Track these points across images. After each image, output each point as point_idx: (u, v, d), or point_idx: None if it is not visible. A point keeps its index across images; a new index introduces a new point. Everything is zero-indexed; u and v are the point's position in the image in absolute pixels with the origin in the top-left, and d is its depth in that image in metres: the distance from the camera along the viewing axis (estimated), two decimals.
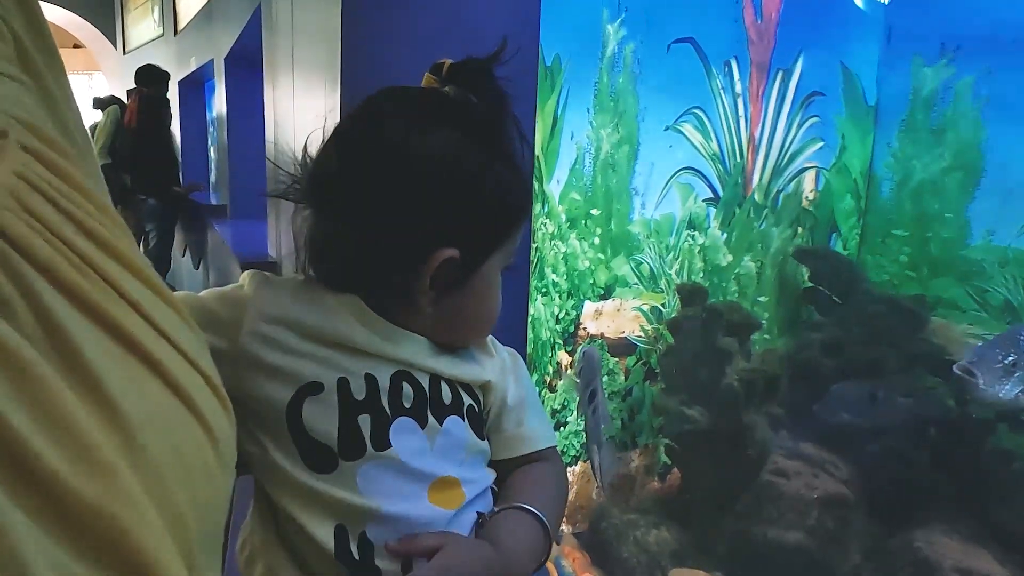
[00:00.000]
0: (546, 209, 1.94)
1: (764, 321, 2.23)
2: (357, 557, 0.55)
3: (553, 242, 1.97)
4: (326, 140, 0.60)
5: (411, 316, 0.60)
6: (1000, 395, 1.62)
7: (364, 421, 0.56)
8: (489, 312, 0.63)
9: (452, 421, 0.60)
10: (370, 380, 0.57)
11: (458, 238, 0.58)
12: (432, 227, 0.58)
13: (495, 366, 0.66)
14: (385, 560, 0.55)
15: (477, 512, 0.60)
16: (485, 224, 0.59)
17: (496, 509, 0.62)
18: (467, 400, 0.62)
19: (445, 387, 0.61)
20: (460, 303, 0.60)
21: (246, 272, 0.61)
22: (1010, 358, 1.64)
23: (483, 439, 0.63)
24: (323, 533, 0.55)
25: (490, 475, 0.63)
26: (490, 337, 0.69)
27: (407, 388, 0.59)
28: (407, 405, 0.58)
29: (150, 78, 4.27)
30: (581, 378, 1.74)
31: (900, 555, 1.87)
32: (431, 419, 0.59)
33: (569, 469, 2.12)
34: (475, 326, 0.64)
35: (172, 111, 4.38)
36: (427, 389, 0.60)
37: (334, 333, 0.58)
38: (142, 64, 4.44)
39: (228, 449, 0.34)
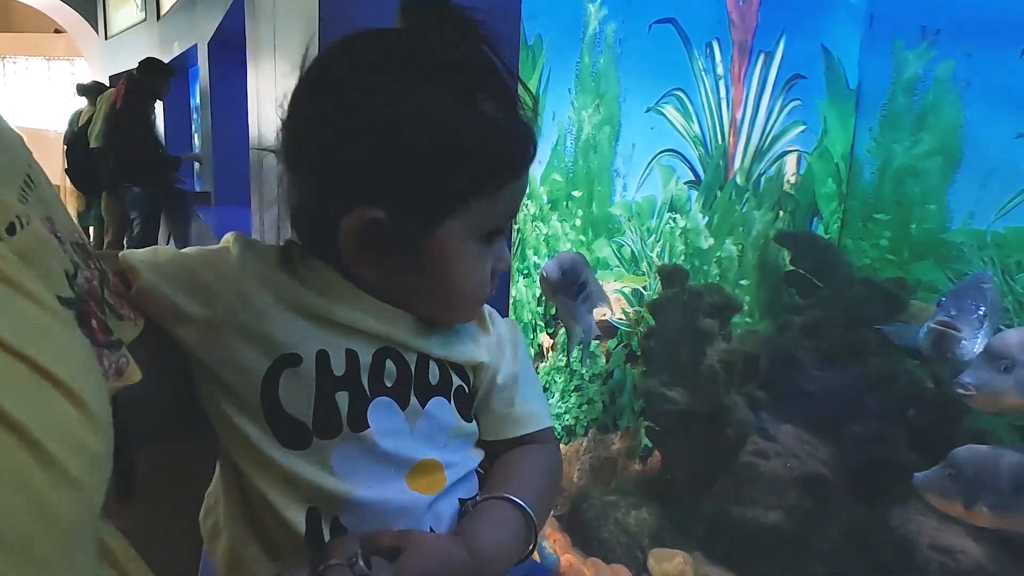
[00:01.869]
0: (528, 190, 1.93)
1: (745, 304, 2.23)
2: (328, 541, 0.51)
3: (535, 223, 1.97)
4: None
5: (371, 284, 0.55)
6: (973, 349, 1.54)
7: (342, 398, 0.52)
8: (458, 288, 0.56)
9: (436, 403, 0.56)
10: (351, 356, 0.53)
11: (382, 197, 0.51)
12: (349, 183, 0.52)
13: (490, 343, 0.61)
14: None
15: (459, 500, 0.57)
16: (420, 182, 0.51)
17: (479, 498, 0.57)
18: (456, 381, 0.58)
19: (434, 366, 0.57)
20: (414, 274, 0.54)
21: (229, 234, 0.57)
22: (981, 309, 1.58)
23: (470, 420, 0.59)
24: (294, 515, 0.52)
25: (475, 457, 0.60)
26: (488, 309, 0.64)
27: (390, 366, 0.55)
28: (388, 384, 0.54)
29: (151, 70, 4.20)
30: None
31: (877, 533, 1.89)
32: (413, 400, 0.55)
33: None
34: (444, 303, 0.57)
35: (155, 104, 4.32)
36: (413, 368, 0.56)
37: (315, 304, 0.54)
38: (147, 57, 4.37)
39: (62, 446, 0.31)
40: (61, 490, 0.30)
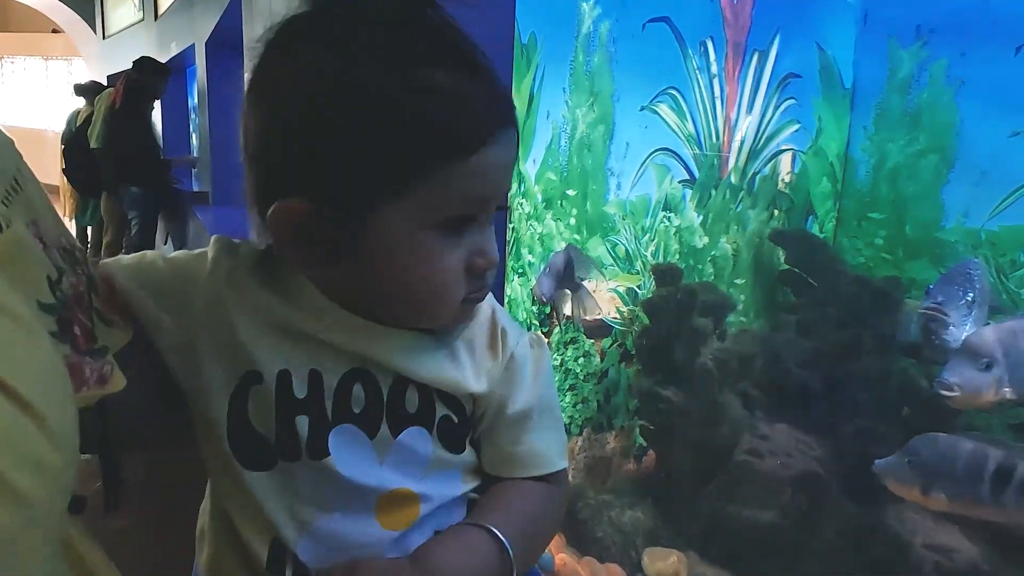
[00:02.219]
0: (523, 189, 1.93)
1: (740, 303, 2.23)
2: None
3: (529, 222, 1.97)
4: None
5: (332, 289, 0.50)
6: (961, 336, 1.54)
7: (302, 423, 0.49)
8: (411, 287, 0.48)
9: (413, 433, 0.51)
10: (314, 377, 0.49)
11: (310, 185, 0.46)
12: (272, 172, 0.48)
13: (496, 369, 0.54)
14: None
15: (435, 532, 0.52)
16: (347, 165, 0.45)
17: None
18: (441, 410, 0.52)
19: (413, 392, 0.51)
20: (363, 275, 0.49)
21: (214, 237, 0.55)
22: (969, 295, 1.58)
23: (460, 451, 0.54)
24: (258, 544, 0.50)
25: (462, 487, 0.55)
26: (506, 325, 0.56)
27: (358, 391, 0.50)
28: (356, 410, 0.50)
29: (147, 69, 4.21)
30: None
31: (872, 532, 1.89)
32: (384, 429, 0.50)
33: None
34: (402, 305, 0.50)
35: (154, 104, 4.33)
36: (386, 394, 0.51)
37: (282, 315, 0.50)
38: (142, 56, 4.38)
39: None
40: (7, 507, 0.28)
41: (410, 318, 0.51)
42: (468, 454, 0.55)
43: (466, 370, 0.53)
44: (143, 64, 4.17)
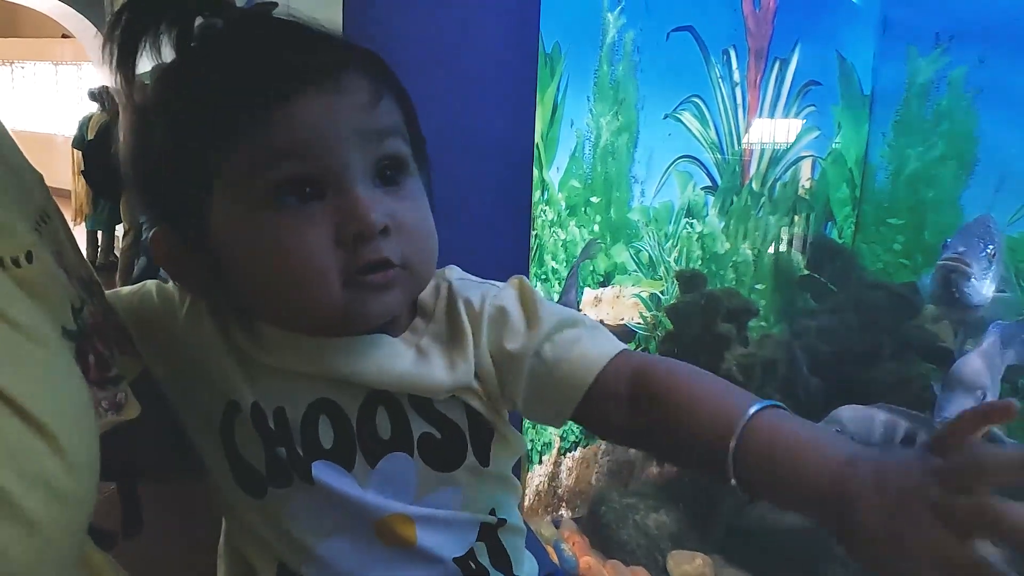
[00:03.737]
0: (546, 196, 1.95)
1: (761, 308, 2.25)
2: None
3: (553, 229, 1.99)
4: None
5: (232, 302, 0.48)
6: (982, 291, 1.49)
7: (281, 453, 0.48)
8: (266, 273, 0.43)
9: (393, 459, 0.48)
10: (279, 414, 0.47)
11: (156, 210, 0.47)
12: (137, 213, 0.49)
13: (475, 346, 0.48)
14: None
15: (454, 560, 0.50)
16: (157, 174, 0.45)
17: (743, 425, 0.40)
18: (419, 429, 0.48)
19: (383, 417, 0.47)
20: (235, 281, 0.45)
21: None
22: (990, 247, 1.51)
23: (451, 468, 0.49)
24: (265, 569, 0.49)
25: (460, 501, 0.51)
26: (469, 295, 0.50)
27: (324, 425, 0.47)
28: (327, 446, 0.47)
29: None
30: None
31: None
32: (359, 461, 0.48)
33: (569, 455, 2.14)
34: (274, 300, 0.45)
35: None
36: (354, 422, 0.47)
37: (246, 348, 0.48)
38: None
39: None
40: (15, 530, 0.28)
41: (296, 318, 0.46)
42: (462, 473, 0.50)
43: (435, 365, 0.47)
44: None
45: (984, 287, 1.51)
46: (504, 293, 0.50)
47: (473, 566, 0.51)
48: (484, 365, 0.48)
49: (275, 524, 0.48)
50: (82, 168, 4.83)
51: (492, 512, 0.53)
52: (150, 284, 0.54)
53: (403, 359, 0.47)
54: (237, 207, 0.43)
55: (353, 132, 0.43)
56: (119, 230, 5.01)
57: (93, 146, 4.66)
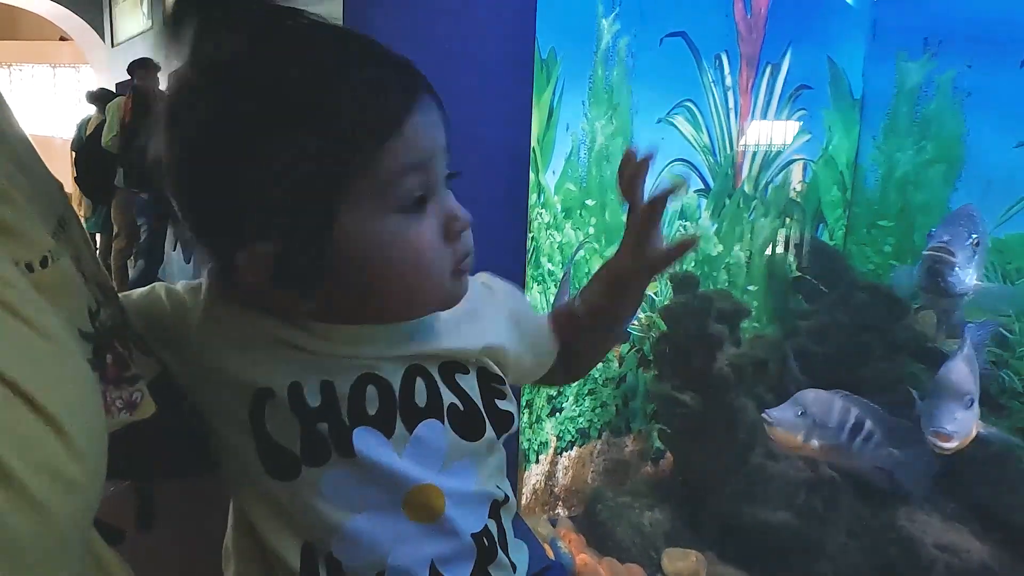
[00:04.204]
0: (542, 199, 1.98)
1: (753, 309, 2.28)
2: None
3: (549, 232, 2.02)
4: None
5: (330, 310, 0.50)
6: (965, 280, 1.50)
7: (323, 428, 0.50)
8: (403, 271, 0.48)
9: (427, 426, 0.52)
10: (326, 387, 0.50)
11: (268, 225, 0.45)
12: (215, 222, 0.47)
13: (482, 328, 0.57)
14: None
15: (471, 535, 0.53)
16: (288, 194, 0.44)
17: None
18: (448, 398, 0.53)
19: (420, 385, 0.52)
20: (345, 285, 0.48)
21: (208, 268, 0.55)
22: (973, 235, 1.53)
23: (474, 438, 0.54)
24: (288, 551, 0.50)
25: (476, 482, 0.55)
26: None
27: (371, 392, 0.51)
28: (371, 412, 0.51)
29: (141, 71, 4.27)
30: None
31: (884, 533, 1.94)
32: (399, 427, 0.51)
33: (565, 454, 2.17)
34: (402, 294, 0.49)
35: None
36: (397, 391, 0.52)
37: (287, 336, 0.50)
38: (135, 59, 4.44)
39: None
40: (22, 511, 0.29)
41: (411, 308, 0.51)
42: (483, 443, 0.54)
43: (466, 334, 0.55)
44: (144, 67, 4.23)
45: (968, 276, 1.52)
46: (475, 284, 0.59)
47: (486, 543, 0.54)
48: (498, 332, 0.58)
49: (305, 504, 0.49)
50: (74, 175, 4.81)
51: (499, 487, 0.57)
52: (159, 287, 0.56)
53: (453, 330, 0.55)
54: (367, 218, 0.46)
55: (444, 140, 0.50)
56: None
57: (84, 151, 4.64)
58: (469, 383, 0.55)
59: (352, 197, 0.45)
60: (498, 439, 0.56)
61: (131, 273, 4.55)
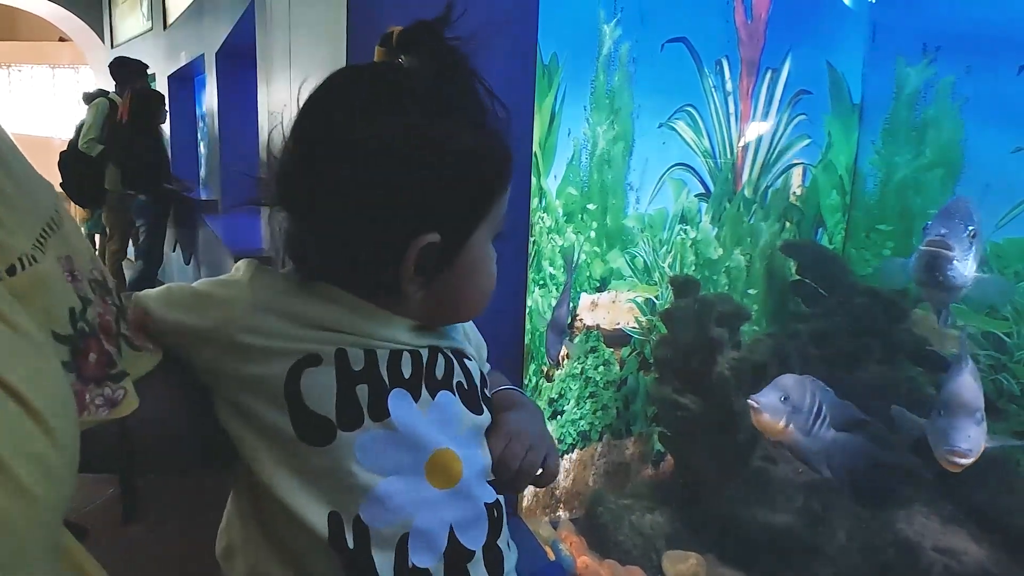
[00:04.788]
0: (543, 203, 1.99)
1: (753, 312, 2.30)
2: (352, 545, 0.52)
3: (550, 235, 2.03)
4: (286, 136, 0.57)
5: (401, 303, 0.58)
6: (963, 272, 1.47)
7: (362, 391, 0.54)
8: (483, 286, 0.61)
9: (444, 395, 0.58)
10: (369, 353, 0.56)
11: (434, 220, 0.55)
12: (403, 216, 0.55)
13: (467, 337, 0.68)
14: (381, 551, 0.53)
15: (485, 504, 0.58)
16: (459, 200, 0.57)
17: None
18: (457, 376, 0.61)
19: (441, 361, 0.60)
20: (451, 283, 0.59)
21: (242, 260, 0.60)
22: (970, 227, 1.49)
23: (480, 413, 0.61)
24: (317, 518, 0.53)
25: (483, 458, 0.60)
26: None
27: (406, 358, 0.58)
28: (406, 375, 0.57)
29: (128, 73, 4.27)
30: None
31: (882, 535, 1.95)
32: (424, 392, 0.57)
33: (566, 456, 2.18)
34: (469, 303, 0.62)
35: (166, 107, 4.37)
36: (424, 361, 0.59)
37: (329, 319, 0.56)
38: (115, 59, 4.44)
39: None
40: (15, 499, 0.32)
41: (463, 314, 0.64)
42: (482, 418, 0.61)
43: (457, 333, 0.66)
44: (125, 68, 4.23)
45: (966, 267, 1.49)
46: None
47: (496, 514, 0.60)
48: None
49: (339, 467, 0.53)
50: (60, 181, 4.70)
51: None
52: (179, 285, 0.60)
53: (460, 332, 0.67)
54: (483, 240, 0.59)
55: None
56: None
57: (68, 154, 4.56)
58: (473, 368, 0.64)
59: (484, 221, 0.58)
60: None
61: (128, 275, 4.53)
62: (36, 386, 0.35)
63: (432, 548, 0.55)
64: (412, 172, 0.54)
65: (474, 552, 0.57)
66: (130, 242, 4.67)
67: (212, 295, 0.57)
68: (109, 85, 4.94)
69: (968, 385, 1.57)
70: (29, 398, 0.34)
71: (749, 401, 1.64)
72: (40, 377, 0.36)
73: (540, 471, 0.64)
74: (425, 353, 0.59)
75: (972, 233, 1.52)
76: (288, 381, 0.54)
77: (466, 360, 0.63)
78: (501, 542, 0.60)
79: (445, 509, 0.56)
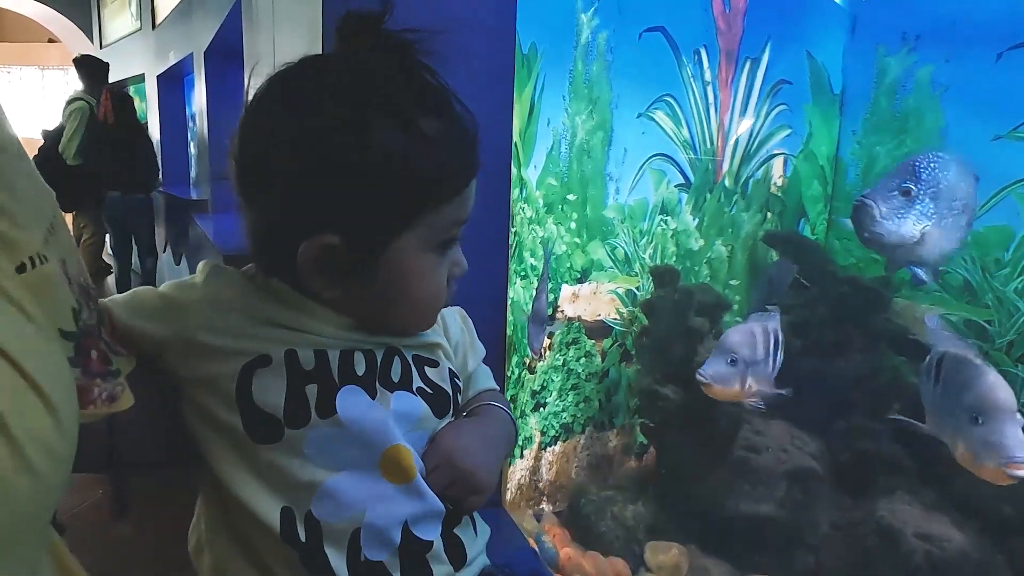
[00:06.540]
0: (524, 194, 1.99)
1: (735, 303, 2.30)
2: (303, 539, 0.53)
3: (531, 226, 2.03)
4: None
5: (341, 300, 0.58)
6: (901, 231, 1.45)
7: (311, 390, 0.55)
8: (417, 298, 0.59)
9: (401, 395, 0.59)
10: (319, 353, 0.56)
11: (338, 223, 0.53)
12: (297, 213, 0.53)
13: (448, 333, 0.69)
14: (333, 545, 0.53)
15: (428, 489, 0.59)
16: (370, 206, 0.53)
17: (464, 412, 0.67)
18: (417, 381, 0.61)
19: (397, 363, 0.60)
20: (376, 291, 0.57)
21: (202, 263, 0.61)
22: (906, 183, 1.48)
23: (441, 417, 0.62)
24: (269, 513, 0.54)
25: None
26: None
27: (359, 358, 0.58)
28: (359, 372, 0.57)
29: (97, 69, 4.27)
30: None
31: (865, 523, 1.95)
32: (380, 389, 0.58)
33: (549, 449, 2.17)
34: (404, 313, 0.60)
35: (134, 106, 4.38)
36: (379, 361, 0.59)
37: (281, 315, 0.57)
38: (80, 57, 4.43)
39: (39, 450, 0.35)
40: (22, 476, 0.34)
41: (410, 327, 0.62)
42: (448, 420, 0.63)
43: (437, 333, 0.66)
44: (88, 65, 4.21)
45: (902, 225, 1.48)
46: (450, 316, 0.71)
47: (451, 507, 0.60)
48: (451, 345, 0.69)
49: (287, 464, 0.54)
50: None
51: None
52: (144, 289, 0.61)
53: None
54: (414, 248, 0.56)
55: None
56: (106, 239, 4.96)
57: (44, 159, 4.54)
58: (440, 375, 0.64)
59: (411, 229, 0.55)
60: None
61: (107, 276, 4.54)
62: (50, 376, 0.37)
63: (385, 542, 0.55)
64: (312, 170, 0.52)
65: (432, 542, 0.58)
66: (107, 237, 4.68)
67: (172, 299, 0.59)
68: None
69: (1000, 384, 1.41)
70: (42, 385, 0.36)
71: (697, 376, 1.60)
72: (51, 368, 0.39)
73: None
74: (380, 352, 0.59)
75: (909, 190, 1.50)
76: (240, 380, 0.55)
77: (427, 368, 0.63)
78: (460, 530, 0.60)
79: (400, 504, 0.56)
